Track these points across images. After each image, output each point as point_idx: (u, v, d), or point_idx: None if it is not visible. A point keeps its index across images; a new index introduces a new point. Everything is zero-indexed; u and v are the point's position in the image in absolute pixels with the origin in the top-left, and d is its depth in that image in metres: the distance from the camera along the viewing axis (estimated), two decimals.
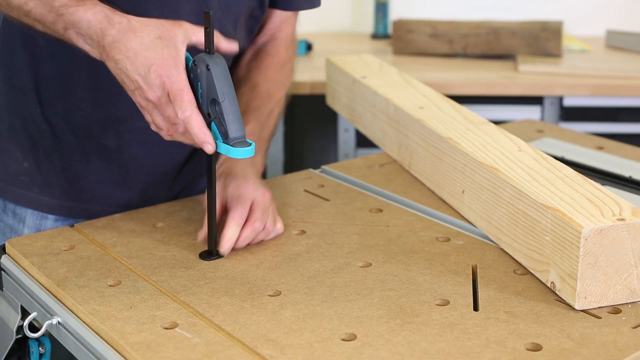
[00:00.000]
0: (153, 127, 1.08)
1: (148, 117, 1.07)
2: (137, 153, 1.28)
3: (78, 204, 1.31)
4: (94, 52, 1.08)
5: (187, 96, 1.02)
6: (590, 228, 0.95)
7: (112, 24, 1.05)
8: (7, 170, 1.31)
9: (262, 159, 1.28)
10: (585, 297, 0.97)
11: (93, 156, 1.28)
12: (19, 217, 1.32)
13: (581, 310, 0.98)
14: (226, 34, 1.31)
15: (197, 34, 1.06)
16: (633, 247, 0.97)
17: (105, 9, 1.07)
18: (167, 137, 1.08)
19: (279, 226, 1.18)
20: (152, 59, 1.02)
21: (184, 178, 1.37)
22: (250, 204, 1.14)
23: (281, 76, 1.39)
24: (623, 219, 0.97)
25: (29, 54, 1.25)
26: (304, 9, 1.45)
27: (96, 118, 1.26)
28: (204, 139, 1.03)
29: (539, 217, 1.02)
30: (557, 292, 1.00)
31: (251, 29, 1.36)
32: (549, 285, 1.01)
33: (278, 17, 1.42)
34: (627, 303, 0.99)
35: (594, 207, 1.00)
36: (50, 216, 1.32)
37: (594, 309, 0.98)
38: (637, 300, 0.99)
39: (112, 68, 1.06)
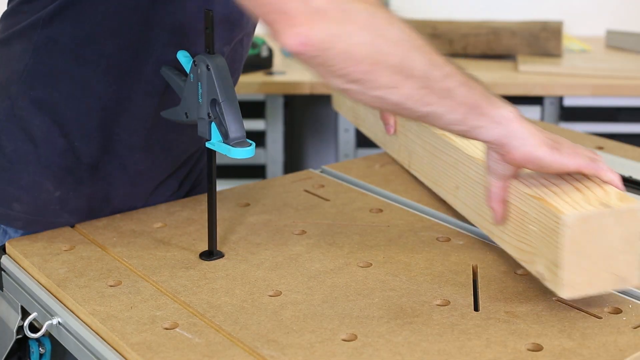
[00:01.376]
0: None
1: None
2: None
3: None
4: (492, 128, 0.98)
5: None
6: (573, 216, 0.93)
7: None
8: (36, 202, 1.23)
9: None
10: (572, 286, 0.95)
11: (113, 176, 1.26)
12: None
13: (581, 310, 0.98)
14: (250, 38, 1.32)
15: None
16: (620, 233, 0.95)
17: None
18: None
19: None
20: None
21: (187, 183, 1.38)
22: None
23: None
24: (609, 206, 0.95)
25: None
26: None
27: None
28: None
29: (526, 207, 1.02)
30: (545, 282, 0.99)
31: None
32: (537, 276, 1.01)
33: None
34: (615, 291, 1.00)
35: (579, 195, 0.98)
36: None
37: (590, 305, 0.97)
38: (626, 288, 0.98)
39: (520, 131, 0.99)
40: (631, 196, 0.98)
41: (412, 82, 0.93)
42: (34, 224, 1.23)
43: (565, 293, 0.95)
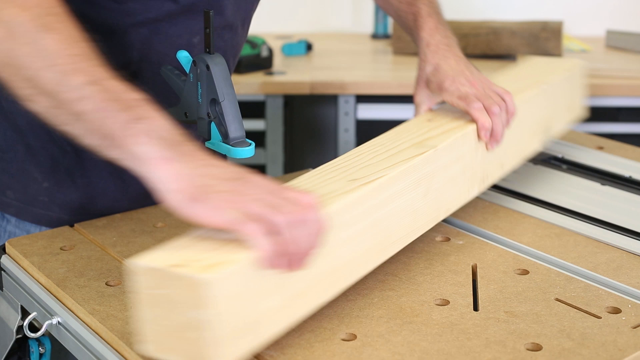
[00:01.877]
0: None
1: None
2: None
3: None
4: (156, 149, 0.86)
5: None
6: (142, 263, 0.79)
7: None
8: (26, 191, 1.26)
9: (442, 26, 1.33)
10: (155, 343, 0.81)
11: (105, 172, 1.26)
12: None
13: (581, 310, 0.98)
14: (236, 33, 1.29)
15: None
16: (184, 301, 0.78)
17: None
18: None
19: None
20: None
21: None
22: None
23: None
24: (183, 266, 0.78)
25: None
26: None
27: None
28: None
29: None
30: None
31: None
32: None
33: None
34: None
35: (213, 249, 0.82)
36: None
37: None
38: None
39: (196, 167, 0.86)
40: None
41: (44, 99, 0.90)
42: (25, 213, 1.26)
43: (149, 349, 0.82)
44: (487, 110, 1.19)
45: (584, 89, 1.58)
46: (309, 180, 1.00)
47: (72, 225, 1.23)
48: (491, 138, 1.20)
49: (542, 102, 1.38)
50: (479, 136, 1.19)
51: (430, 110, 1.27)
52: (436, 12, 1.35)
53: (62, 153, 1.24)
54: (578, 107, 1.57)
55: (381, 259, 1.03)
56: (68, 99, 0.88)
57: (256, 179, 0.86)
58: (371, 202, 0.98)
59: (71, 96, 0.88)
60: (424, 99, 1.27)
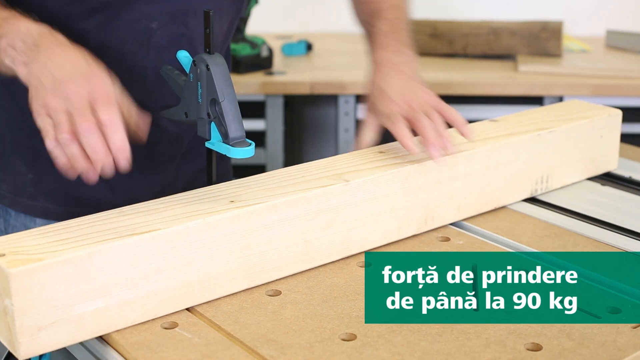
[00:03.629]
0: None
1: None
2: None
3: (83, 210, 1.31)
4: (18, 59, 1.02)
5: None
6: None
7: (55, 34, 1.04)
8: (14, 183, 1.31)
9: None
10: None
11: None
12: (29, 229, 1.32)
13: (581, 310, 0.97)
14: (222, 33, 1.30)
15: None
16: None
17: (49, 28, 1.05)
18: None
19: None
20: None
21: (176, 184, 1.36)
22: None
23: None
24: None
25: None
26: None
27: None
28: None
29: None
30: None
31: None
32: None
33: None
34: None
35: None
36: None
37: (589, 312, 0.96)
38: None
39: (38, 68, 1.00)
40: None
41: None
42: (16, 204, 1.32)
43: None
44: (414, 124, 1.15)
45: (616, 141, 1.43)
46: (195, 195, 1.03)
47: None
48: (430, 149, 1.14)
49: (533, 149, 1.28)
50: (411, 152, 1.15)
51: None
52: (396, 28, 1.31)
53: (44, 144, 1.25)
54: (603, 159, 1.41)
55: (255, 282, 1.03)
56: None
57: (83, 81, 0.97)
58: (245, 225, 0.99)
59: None
60: (370, 120, 1.22)
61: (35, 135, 1.25)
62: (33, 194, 1.30)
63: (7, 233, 1.36)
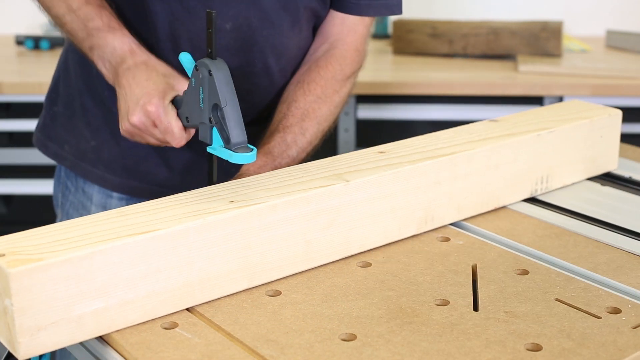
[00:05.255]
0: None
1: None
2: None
3: (139, 184, 1.37)
4: (108, 76, 1.20)
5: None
6: None
7: (133, 55, 1.15)
8: (78, 147, 1.39)
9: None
10: None
11: None
12: (88, 195, 1.40)
13: (581, 310, 0.98)
14: (281, 33, 1.29)
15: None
16: None
17: (131, 42, 1.18)
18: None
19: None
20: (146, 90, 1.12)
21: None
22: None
23: (327, 91, 1.28)
24: None
25: None
26: (381, 14, 1.31)
27: None
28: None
29: None
30: None
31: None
32: None
33: (341, 22, 1.28)
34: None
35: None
36: (115, 194, 1.38)
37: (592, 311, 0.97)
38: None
39: (118, 93, 1.16)
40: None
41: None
42: (77, 167, 1.39)
43: None
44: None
45: (616, 141, 1.43)
46: (194, 195, 1.02)
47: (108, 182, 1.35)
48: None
49: (533, 149, 1.27)
50: None
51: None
52: (300, 140, 1.27)
53: (110, 115, 1.34)
54: (603, 159, 1.41)
55: (255, 282, 1.03)
56: (67, 30, 1.25)
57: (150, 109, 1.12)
58: (245, 225, 0.99)
59: (61, 24, 1.25)
60: None
61: (103, 105, 1.36)
62: (93, 161, 1.37)
63: (62, 194, 1.44)
